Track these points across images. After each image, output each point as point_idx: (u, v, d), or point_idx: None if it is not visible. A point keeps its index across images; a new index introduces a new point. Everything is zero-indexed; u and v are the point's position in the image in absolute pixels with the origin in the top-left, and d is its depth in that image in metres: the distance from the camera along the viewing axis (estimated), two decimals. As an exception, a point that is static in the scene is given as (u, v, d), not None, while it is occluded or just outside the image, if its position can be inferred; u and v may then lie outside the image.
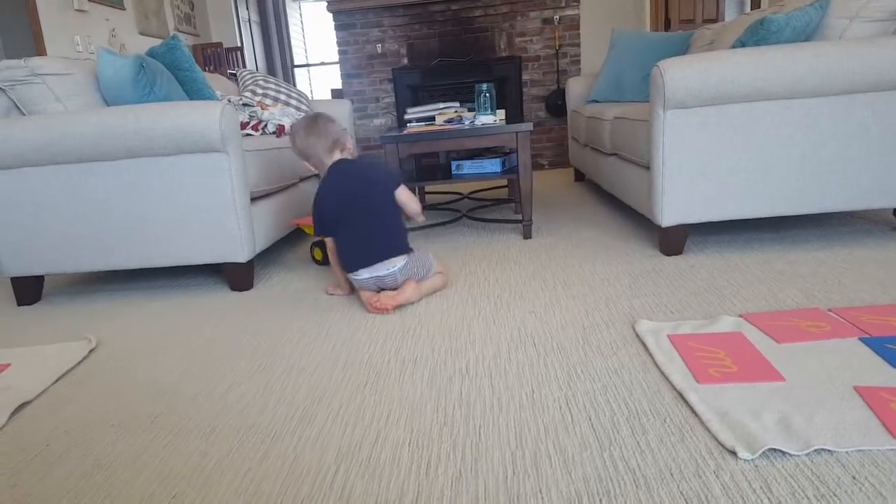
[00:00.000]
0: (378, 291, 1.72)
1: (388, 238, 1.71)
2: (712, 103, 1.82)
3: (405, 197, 1.78)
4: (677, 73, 1.79)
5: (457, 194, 3.45)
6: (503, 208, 3.01)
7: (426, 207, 3.17)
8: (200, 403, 1.22)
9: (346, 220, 1.70)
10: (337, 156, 1.80)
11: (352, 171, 1.76)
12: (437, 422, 1.07)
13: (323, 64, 8.15)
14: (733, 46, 2.04)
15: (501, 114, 2.52)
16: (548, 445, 0.97)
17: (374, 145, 4.89)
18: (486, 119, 2.35)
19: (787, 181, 1.87)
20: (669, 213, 1.92)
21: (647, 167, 2.01)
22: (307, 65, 8.30)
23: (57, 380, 1.41)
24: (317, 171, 1.87)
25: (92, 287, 2.24)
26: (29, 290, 2.11)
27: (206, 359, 1.45)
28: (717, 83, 1.78)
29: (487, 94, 2.42)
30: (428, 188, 3.52)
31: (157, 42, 4.47)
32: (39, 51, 3.76)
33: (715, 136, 1.85)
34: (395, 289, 1.70)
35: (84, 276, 2.42)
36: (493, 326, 1.49)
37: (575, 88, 3.50)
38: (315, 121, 1.81)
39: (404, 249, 1.73)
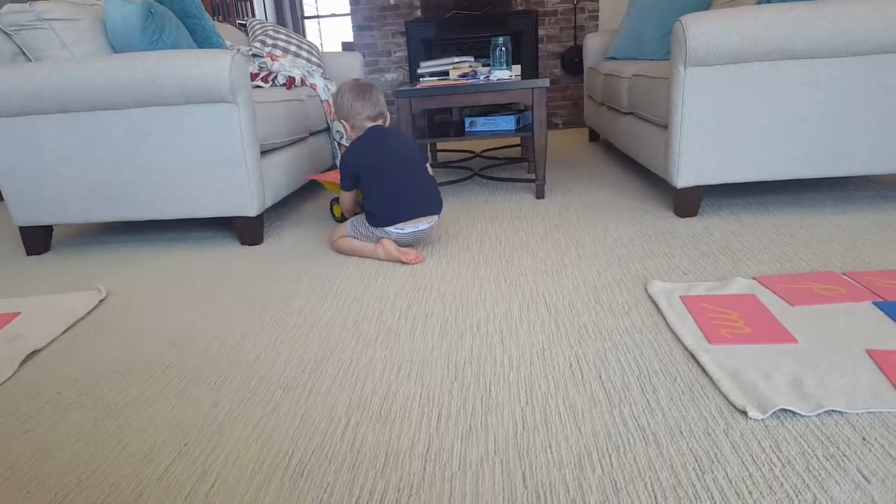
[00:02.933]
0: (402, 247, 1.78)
1: (436, 194, 1.79)
2: (735, 61, 1.76)
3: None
4: (700, 29, 1.72)
5: (469, 152, 3.40)
6: (516, 167, 2.97)
7: (437, 165, 3.13)
8: (211, 355, 1.23)
9: (392, 174, 1.73)
10: (381, 122, 1.87)
11: (394, 134, 1.82)
12: (447, 377, 1.07)
13: (334, 16, 7.96)
14: (758, 2, 1.96)
15: (517, 69, 2.45)
16: (557, 402, 0.97)
17: (386, 100, 4.81)
18: (501, 74, 2.29)
19: (807, 143, 1.82)
20: (685, 174, 1.88)
21: (665, 126, 1.96)
22: (317, 16, 8.10)
23: (67, 329, 1.42)
24: (349, 136, 1.89)
25: (101, 238, 2.24)
26: (38, 240, 2.11)
27: (216, 311, 1.46)
28: (740, 40, 1.71)
29: (503, 49, 2.35)
30: (440, 146, 3.46)
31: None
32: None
33: (735, 95, 1.79)
34: (410, 246, 1.79)
35: (93, 226, 2.42)
36: (505, 285, 1.48)
37: (593, 45, 3.40)
38: (366, 87, 1.85)
39: (440, 209, 1.80)
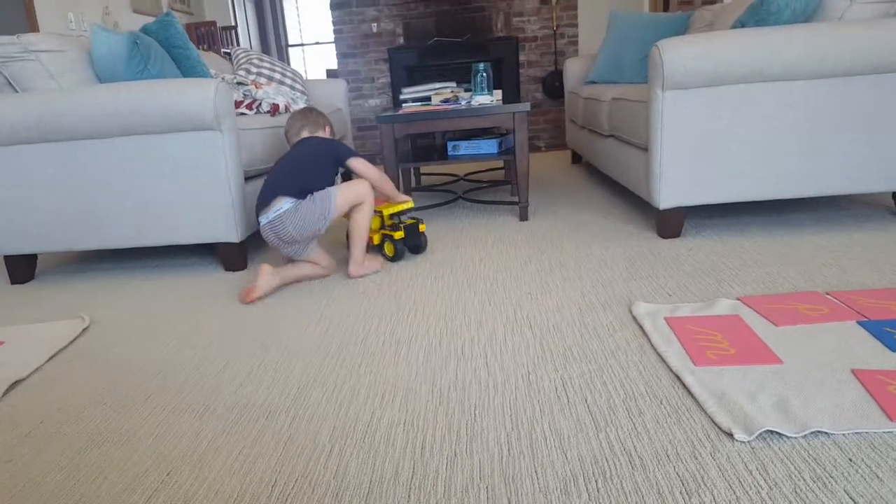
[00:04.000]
0: (286, 259, 1.83)
1: (286, 180, 1.72)
2: (711, 84, 1.80)
3: (361, 166, 1.84)
4: (676, 54, 1.76)
5: (452, 176, 3.43)
6: (499, 190, 3.00)
7: (421, 189, 3.15)
8: (194, 383, 1.22)
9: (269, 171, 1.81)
10: (305, 134, 1.94)
11: (310, 140, 1.88)
12: (432, 402, 1.06)
13: (318, 44, 8.05)
14: (733, 27, 2.01)
15: (498, 94, 2.49)
16: (543, 427, 0.97)
17: (368, 126, 4.84)
18: (482, 99, 2.33)
19: (787, 164, 1.85)
20: (667, 196, 1.91)
21: (645, 149, 1.99)
22: (301, 44, 8.19)
23: (50, 358, 1.39)
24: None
25: (85, 266, 2.22)
26: (22, 268, 2.09)
27: (200, 339, 1.44)
28: (716, 64, 1.76)
29: (484, 74, 2.39)
30: (423, 169, 3.49)
31: (150, 20, 4.38)
32: (32, 27, 3.69)
33: (714, 117, 1.83)
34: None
35: (77, 255, 2.40)
36: (489, 308, 1.48)
37: (573, 69, 3.46)
38: (303, 109, 2.00)
39: (294, 193, 1.69)
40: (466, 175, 3.40)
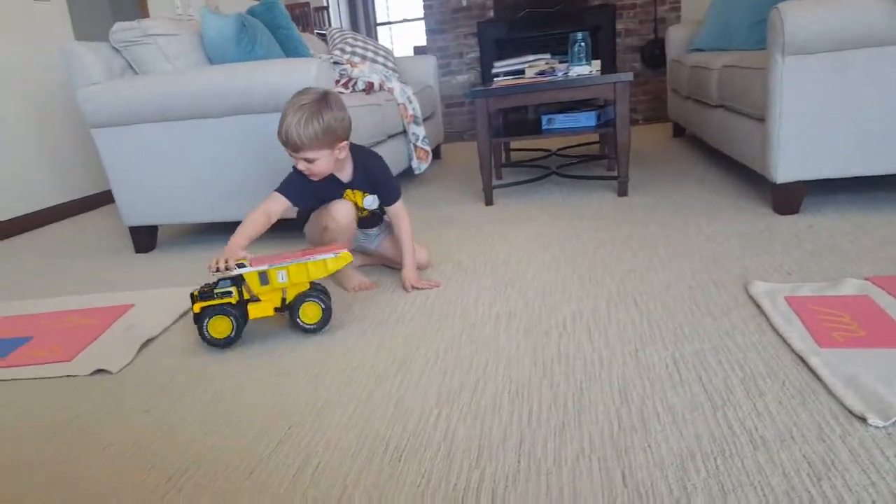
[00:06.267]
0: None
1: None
2: (838, 48, 1.65)
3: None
4: (798, 16, 1.63)
5: (544, 150, 3.36)
6: (594, 165, 2.91)
7: (511, 165, 3.11)
8: (306, 347, 1.28)
9: None
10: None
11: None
12: (535, 374, 1.06)
13: (406, 21, 8.09)
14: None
15: (597, 64, 2.40)
16: (655, 403, 0.94)
17: (455, 102, 4.83)
18: (580, 70, 2.26)
19: (925, 133, 1.67)
20: (785, 169, 1.78)
21: (761, 119, 1.86)
22: (389, 22, 8.27)
23: (175, 320, 1.51)
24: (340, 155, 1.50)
25: (202, 237, 2.38)
26: (145, 238, 2.27)
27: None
28: (843, 26, 1.61)
29: (582, 44, 2.31)
30: (512, 144, 3.44)
31: (251, 3, 4.57)
32: (143, 11, 3.94)
33: (839, 84, 1.68)
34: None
35: (192, 226, 2.57)
36: (589, 284, 1.45)
37: (676, 37, 3.28)
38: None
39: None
40: (559, 150, 3.33)
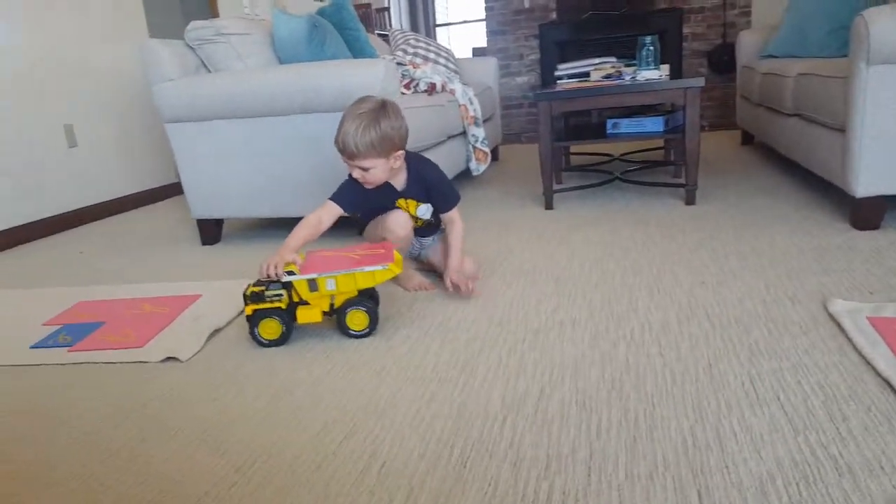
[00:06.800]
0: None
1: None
2: (933, 55, 1.55)
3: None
4: (885, 24, 1.55)
5: (606, 155, 3.30)
6: (657, 171, 2.84)
7: (571, 169, 3.07)
8: (368, 343, 1.29)
9: None
10: None
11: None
12: (603, 385, 1.04)
13: (465, 22, 8.10)
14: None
15: (665, 69, 2.34)
16: (731, 422, 0.90)
17: (514, 104, 4.81)
18: (649, 74, 2.20)
19: None
20: (866, 182, 1.68)
21: (841, 129, 1.77)
22: (447, 24, 8.30)
23: (240, 312, 1.54)
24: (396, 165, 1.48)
25: (265, 232, 2.44)
26: (211, 231, 2.35)
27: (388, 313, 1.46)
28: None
29: (651, 47, 2.26)
30: (572, 148, 3.39)
31: (318, 5, 4.67)
32: (212, 11, 4.07)
33: (934, 93, 1.58)
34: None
35: (258, 221, 2.64)
36: (658, 295, 1.41)
37: (748, 42, 3.16)
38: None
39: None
40: (623, 155, 3.25)
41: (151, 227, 2.78)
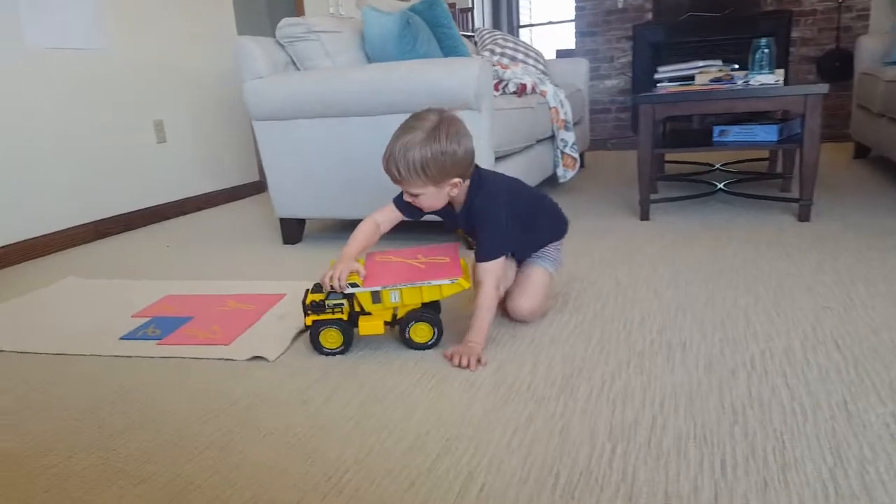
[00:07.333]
0: None
1: None
2: None
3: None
4: None
5: (704, 165, 3.11)
6: (763, 184, 2.63)
7: (666, 178, 2.90)
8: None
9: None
10: None
11: None
12: (724, 418, 0.93)
13: (550, 23, 7.95)
14: None
15: (780, 73, 2.16)
16: (878, 468, 0.78)
17: (601, 108, 4.65)
18: (763, 79, 2.04)
19: None
20: None
21: None
22: (531, 24, 8.17)
23: (327, 311, 1.53)
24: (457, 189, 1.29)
25: (346, 233, 2.43)
26: (294, 231, 2.34)
27: (452, 317, 1.39)
28: None
29: (766, 50, 2.09)
30: (667, 156, 3.22)
31: (403, 5, 4.67)
32: (298, 9, 4.11)
33: None
34: None
35: (339, 221, 2.65)
36: (777, 319, 1.27)
37: (867, 47, 2.91)
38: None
39: None
40: (725, 165, 3.05)
41: (233, 224, 2.84)
